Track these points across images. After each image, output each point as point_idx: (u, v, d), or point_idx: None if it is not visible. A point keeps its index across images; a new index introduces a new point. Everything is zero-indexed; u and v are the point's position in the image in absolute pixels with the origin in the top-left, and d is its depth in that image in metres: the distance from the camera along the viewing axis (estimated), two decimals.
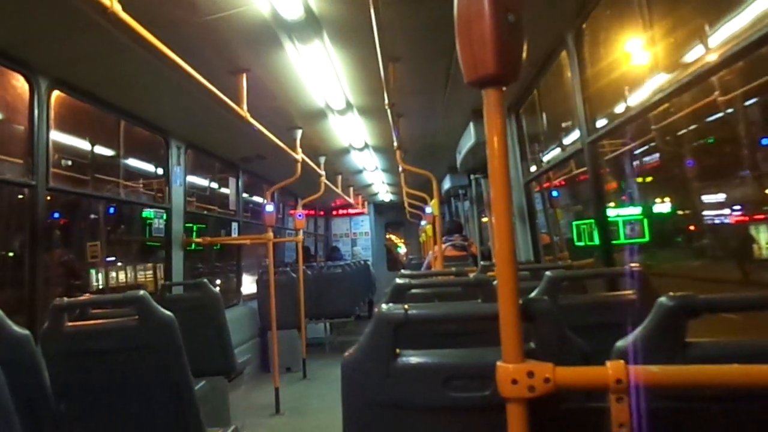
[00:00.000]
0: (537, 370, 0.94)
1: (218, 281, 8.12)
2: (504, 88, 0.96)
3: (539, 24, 2.85)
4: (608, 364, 0.94)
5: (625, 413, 0.92)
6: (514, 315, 0.95)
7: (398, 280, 1.94)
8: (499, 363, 0.95)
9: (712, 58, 1.86)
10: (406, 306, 1.15)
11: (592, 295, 2.19)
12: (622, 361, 0.93)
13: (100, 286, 6.45)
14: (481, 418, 1.11)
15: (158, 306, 2.15)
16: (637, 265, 2.00)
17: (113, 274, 6.91)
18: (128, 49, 2.37)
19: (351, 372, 1.18)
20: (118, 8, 1.99)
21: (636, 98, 2.76)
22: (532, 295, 1.93)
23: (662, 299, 1.06)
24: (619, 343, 1.11)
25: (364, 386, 1.16)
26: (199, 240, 5.11)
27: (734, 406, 1.00)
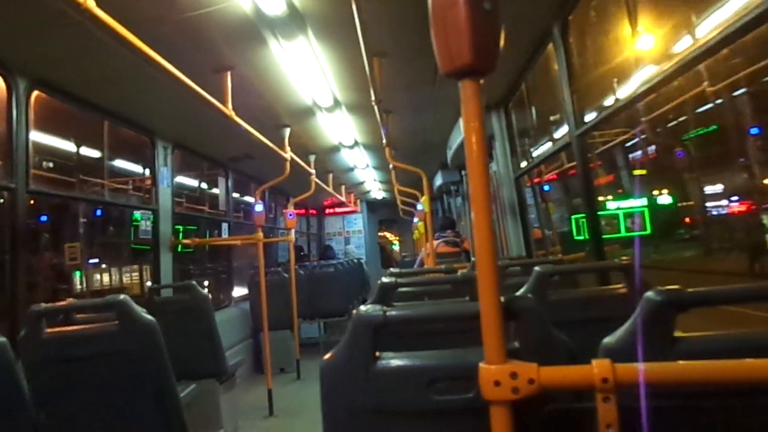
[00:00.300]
0: (521, 371, 0.91)
1: (210, 282, 8.08)
2: (482, 80, 0.93)
3: (525, 16, 2.82)
4: (594, 362, 0.90)
5: (613, 413, 0.89)
6: (495, 314, 0.91)
7: (384, 279, 1.90)
8: (481, 364, 0.92)
9: (697, 46, 1.84)
10: (384, 308, 1.12)
11: (583, 290, 2.16)
12: (608, 360, 0.90)
13: (84, 289, 6.38)
14: (466, 421, 1.07)
15: (140, 310, 2.10)
16: (627, 258, 1.97)
17: (97, 276, 6.83)
18: (109, 48, 2.32)
19: (330, 376, 1.14)
20: (91, 4, 1.94)
21: (624, 90, 2.74)
22: (521, 291, 1.91)
23: (649, 294, 1.03)
24: (606, 340, 1.08)
25: (344, 390, 1.13)
26: (187, 241, 5.06)
27: (724, 402, 0.97)
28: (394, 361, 1.11)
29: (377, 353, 1.11)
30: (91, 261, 6.96)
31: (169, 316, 3.42)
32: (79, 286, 6.37)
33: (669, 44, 2.54)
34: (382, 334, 1.12)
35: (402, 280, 1.96)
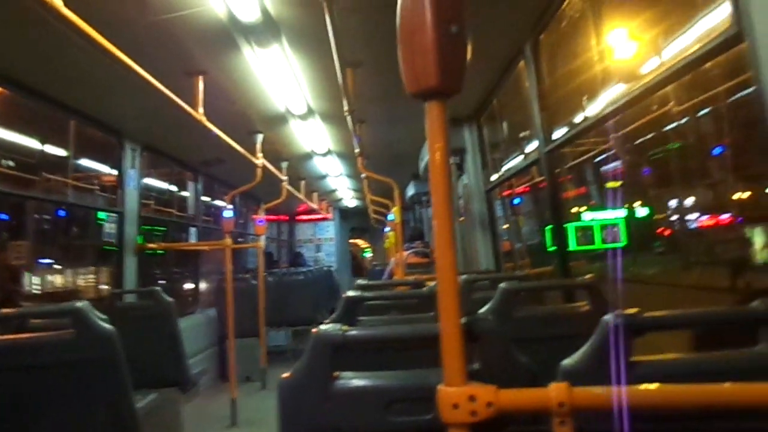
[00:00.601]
0: (479, 394, 0.90)
1: (176, 287, 7.92)
2: (445, 101, 0.93)
3: (498, 34, 2.86)
4: (551, 386, 0.91)
5: None
6: (455, 337, 0.91)
7: (350, 293, 1.89)
8: (440, 387, 0.91)
9: (663, 70, 1.88)
10: (344, 327, 1.11)
11: (548, 307, 2.19)
12: (565, 384, 0.91)
13: (34, 292, 6.17)
14: None
15: (97, 318, 2.04)
16: (591, 276, 2.00)
17: (49, 277, 6.59)
18: (78, 47, 2.27)
19: (288, 395, 1.12)
20: (59, 3, 1.90)
21: (593, 107, 2.80)
22: (487, 307, 1.92)
23: (607, 317, 1.05)
24: (565, 362, 1.09)
25: (301, 410, 1.11)
26: (153, 246, 4.96)
27: (683, 425, 0.99)
28: (353, 381, 1.09)
29: (336, 373, 1.10)
30: (43, 261, 6.71)
31: (131, 322, 3.35)
32: (27, 288, 6.14)
33: (637, 65, 2.61)
34: (342, 353, 1.11)
35: (368, 294, 1.95)
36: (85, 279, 7.02)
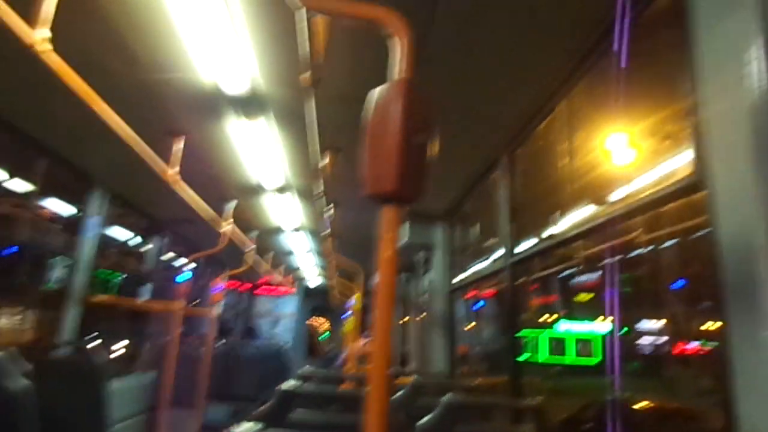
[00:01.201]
0: None
1: (118, 343, 7.53)
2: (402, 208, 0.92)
3: (478, 144, 2.96)
4: None
5: None
6: None
7: (284, 386, 1.79)
8: None
9: (627, 203, 1.93)
10: (264, 428, 1.02)
11: (492, 425, 2.10)
12: None
13: None
14: None
15: (17, 371, 1.89)
16: (537, 400, 1.94)
17: None
18: (61, 89, 2.25)
19: None
20: (48, 47, 1.90)
21: (560, 225, 2.84)
22: (427, 418, 1.83)
23: None
24: None
25: None
26: (103, 298, 4.76)
27: None
28: None
29: None
30: None
31: (59, 377, 3.13)
32: None
33: (607, 191, 2.69)
34: None
35: (306, 388, 1.85)
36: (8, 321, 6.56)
